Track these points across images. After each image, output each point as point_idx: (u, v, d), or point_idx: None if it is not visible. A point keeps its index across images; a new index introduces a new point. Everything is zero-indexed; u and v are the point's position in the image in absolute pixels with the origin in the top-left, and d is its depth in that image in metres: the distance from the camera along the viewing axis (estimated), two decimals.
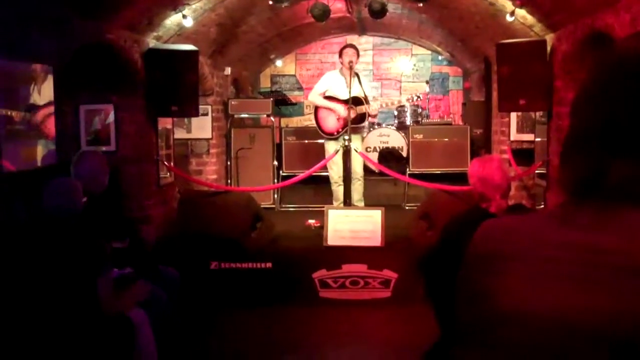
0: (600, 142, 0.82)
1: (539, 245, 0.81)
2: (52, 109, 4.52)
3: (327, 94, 7.08)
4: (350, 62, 6.88)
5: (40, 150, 4.36)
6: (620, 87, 0.82)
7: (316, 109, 7.17)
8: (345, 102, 6.85)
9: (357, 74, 7.09)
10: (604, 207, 0.79)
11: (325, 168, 7.28)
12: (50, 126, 4.51)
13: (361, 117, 6.90)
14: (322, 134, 7.14)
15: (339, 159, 6.93)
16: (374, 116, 7.26)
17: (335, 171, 7.09)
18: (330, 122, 7.03)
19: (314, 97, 7.20)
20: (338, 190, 7.12)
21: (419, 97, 7.31)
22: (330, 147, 7.07)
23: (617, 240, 0.75)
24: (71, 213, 3.39)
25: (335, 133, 7.00)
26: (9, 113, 3.97)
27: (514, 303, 0.79)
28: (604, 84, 0.86)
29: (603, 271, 0.74)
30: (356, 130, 7.00)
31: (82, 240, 3.26)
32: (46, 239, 3.31)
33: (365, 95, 6.93)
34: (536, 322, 0.76)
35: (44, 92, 4.39)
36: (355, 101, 6.81)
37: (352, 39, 12.04)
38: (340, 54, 7.07)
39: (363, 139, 7.51)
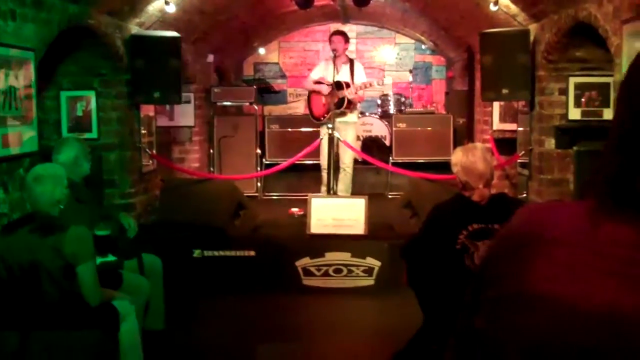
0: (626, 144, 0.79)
1: (586, 237, 0.79)
2: (32, 94, 4.47)
3: (320, 81, 7.11)
4: (334, 49, 6.89)
5: (20, 137, 4.31)
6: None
7: (309, 95, 7.21)
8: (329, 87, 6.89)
9: (351, 61, 7.13)
10: None
11: (308, 156, 7.28)
12: (32, 112, 4.46)
13: (341, 101, 6.87)
14: (312, 118, 7.18)
15: (326, 146, 6.94)
16: (358, 99, 7.19)
17: (324, 157, 7.09)
18: (318, 107, 7.06)
19: (306, 82, 7.29)
20: (325, 176, 7.13)
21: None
22: (322, 133, 7.10)
23: None
24: (56, 200, 3.36)
25: (322, 118, 7.01)
26: None
27: (550, 288, 0.77)
28: (630, 80, 0.82)
29: None
30: (343, 117, 6.98)
31: (65, 228, 3.23)
32: (29, 227, 3.27)
33: (348, 81, 6.90)
34: (573, 312, 0.75)
35: (25, 78, 4.33)
36: (337, 86, 6.82)
37: (336, 27, 11.99)
38: (330, 41, 7.11)
39: (354, 127, 7.45)
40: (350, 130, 7.16)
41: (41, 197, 3.32)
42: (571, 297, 0.76)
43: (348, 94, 6.83)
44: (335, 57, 6.89)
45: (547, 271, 0.78)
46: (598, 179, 0.82)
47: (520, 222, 0.88)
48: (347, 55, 7.14)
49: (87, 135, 5.82)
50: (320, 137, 6.97)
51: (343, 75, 6.90)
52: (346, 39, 7.10)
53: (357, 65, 7.19)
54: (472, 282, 0.91)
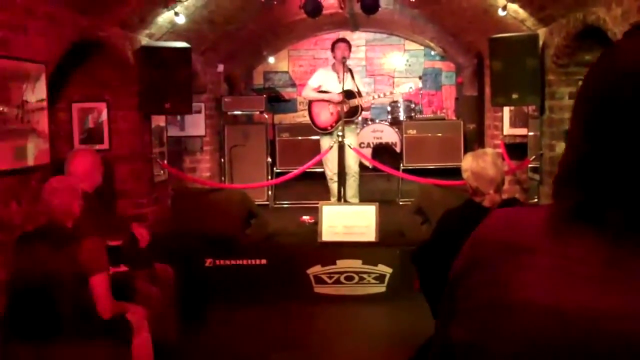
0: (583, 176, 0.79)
1: (563, 242, 0.80)
2: (45, 107, 4.51)
3: (320, 90, 7.08)
4: (343, 57, 6.90)
5: (33, 149, 4.34)
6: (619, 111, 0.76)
7: (310, 104, 7.17)
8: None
9: (350, 70, 7.10)
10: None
11: (319, 164, 7.28)
12: (44, 125, 4.50)
13: (354, 110, 6.89)
14: (316, 129, 7.15)
15: (333, 155, 6.93)
16: (367, 109, 7.24)
17: (330, 167, 7.09)
18: (324, 117, 7.04)
19: (307, 92, 7.20)
20: (334, 186, 7.12)
21: (411, 87, 7.26)
22: (325, 142, 7.07)
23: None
24: (70, 212, 3.38)
25: (329, 127, 6.99)
26: (3, 110, 3.96)
27: (531, 294, 0.78)
28: (582, 108, 0.81)
29: (633, 274, 0.73)
30: (350, 125, 6.99)
31: (80, 239, 3.25)
32: (44, 239, 3.30)
33: (357, 89, 6.93)
34: (556, 317, 0.76)
35: (37, 91, 4.37)
36: (348, 95, 6.83)
37: (345, 34, 12.03)
38: (333, 49, 7.09)
39: (357, 134, 7.48)
40: (353, 136, 7.20)
41: (57, 210, 3.34)
42: (554, 303, 0.76)
43: (364, 102, 6.87)
44: (339, 65, 6.90)
45: (530, 279, 0.79)
46: (564, 198, 0.82)
47: (493, 230, 0.88)
48: (346, 65, 7.13)
49: (98, 147, 5.86)
50: (330, 145, 6.93)
51: (347, 84, 6.91)
52: (350, 47, 7.11)
53: (355, 74, 7.20)
54: (445, 291, 0.91)
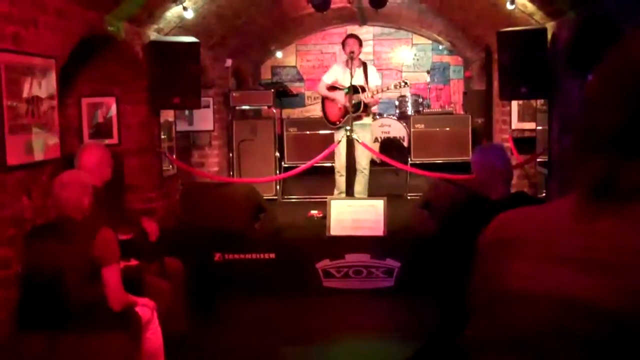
0: (616, 143, 0.83)
1: (546, 231, 0.85)
2: (54, 102, 4.54)
3: (334, 85, 7.13)
4: (352, 52, 6.92)
5: (43, 144, 4.37)
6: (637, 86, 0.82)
7: (323, 99, 7.24)
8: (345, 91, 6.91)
9: (364, 64, 7.15)
10: (615, 205, 0.81)
11: (327, 158, 7.31)
12: (54, 119, 4.53)
13: (357, 105, 6.88)
14: (327, 123, 7.19)
15: (342, 149, 6.96)
16: (371, 104, 7.21)
17: (338, 160, 7.12)
18: (333, 111, 7.08)
19: (320, 87, 7.28)
20: (339, 179, 7.15)
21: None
22: (338, 136, 7.11)
23: (617, 226, 0.79)
24: (80, 206, 3.41)
25: (338, 122, 7.03)
26: (14, 104, 3.99)
27: (521, 283, 0.83)
28: (620, 82, 0.85)
29: (604, 253, 0.78)
30: (359, 120, 7.00)
31: (94, 232, 3.28)
32: (55, 233, 3.33)
33: (364, 85, 6.93)
34: (540, 299, 0.80)
35: (47, 85, 4.40)
36: (353, 91, 6.84)
37: (353, 29, 12.01)
38: (343, 45, 7.13)
39: (370, 129, 7.47)
40: (366, 132, 7.18)
41: (67, 204, 3.37)
42: (540, 289, 0.82)
43: (364, 98, 6.86)
44: (351, 60, 6.91)
45: (520, 269, 0.85)
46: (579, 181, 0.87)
47: (492, 232, 0.95)
48: (360, 59, 7.17)
49: (107, 141, 5.89)
50: (338, 140, 6.98)
51: (358, 79, 6.92)
52: (360, 42, 7.13)
53: (371, 68, 7.23)
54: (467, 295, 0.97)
